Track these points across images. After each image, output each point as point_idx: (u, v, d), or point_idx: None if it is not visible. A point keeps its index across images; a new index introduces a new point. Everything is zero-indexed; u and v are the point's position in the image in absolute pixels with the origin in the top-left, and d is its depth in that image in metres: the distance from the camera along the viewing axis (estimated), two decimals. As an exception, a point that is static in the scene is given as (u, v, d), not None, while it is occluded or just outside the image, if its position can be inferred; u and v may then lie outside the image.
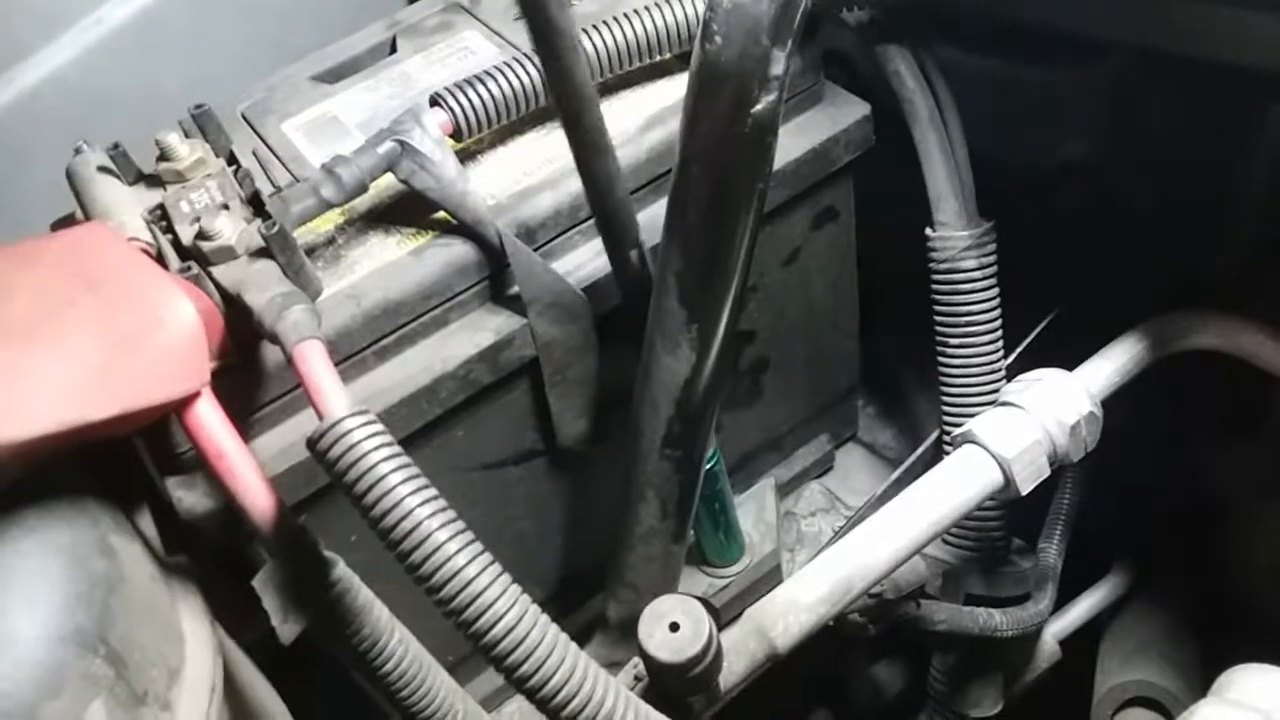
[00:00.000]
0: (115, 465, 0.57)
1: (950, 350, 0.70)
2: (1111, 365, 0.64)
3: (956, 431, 0.60)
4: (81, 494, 0.50)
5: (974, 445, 0.58)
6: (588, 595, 0.77)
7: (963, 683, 0.73)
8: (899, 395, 0.94)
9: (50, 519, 0.47)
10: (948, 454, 0.61)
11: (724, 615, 0.72)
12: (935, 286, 0.69)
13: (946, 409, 0.71)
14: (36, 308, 0.45)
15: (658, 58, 0.67)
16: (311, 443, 0.47)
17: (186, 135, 0.63)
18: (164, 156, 0.60)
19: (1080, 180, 0.73)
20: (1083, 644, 0.80)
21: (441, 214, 0.62)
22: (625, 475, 0.66)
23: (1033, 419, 0.59)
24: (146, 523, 0.58)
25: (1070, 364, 0.65)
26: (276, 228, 0.54)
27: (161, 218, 0.57)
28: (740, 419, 0.80)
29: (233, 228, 0.55)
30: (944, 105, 0.69)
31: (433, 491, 0.46)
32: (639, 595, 0.71)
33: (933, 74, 0.69)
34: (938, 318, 0.70)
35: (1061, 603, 0.79)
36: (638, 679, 0.60)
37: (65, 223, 0.68)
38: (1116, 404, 0.64)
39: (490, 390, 0.64)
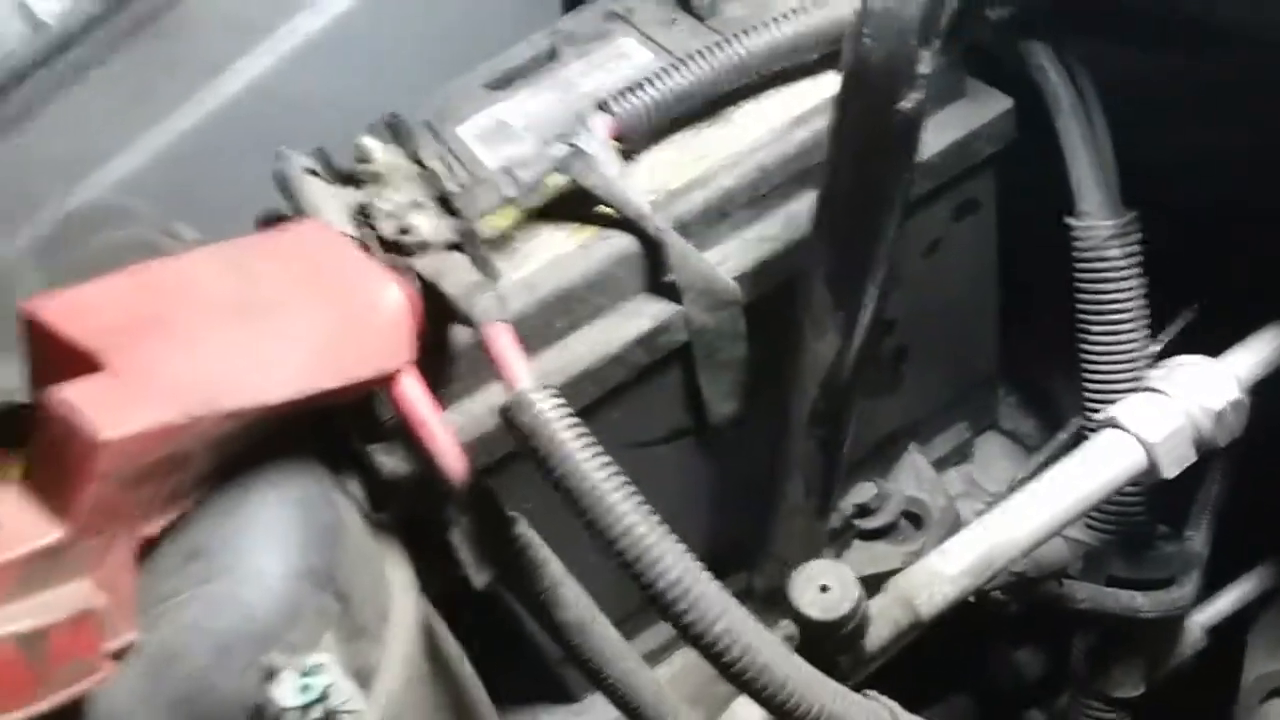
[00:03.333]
0: (325, 434, 0.65)
1: (1092, 338, 0.71)
2: (1258, 353, 0.65)
3: (1099, 416, 0.62)
4: (307, 455, 0.58)
5: (1118, 429, 0.60)
6: (730, 570, 0.82)
7: (1105, 664, 0.75)
8: (1041, 384, 0.95)
9: (286, 474, 0.54)
10: (1089, 439, 0.63)
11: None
12: (1078, 275, 0.71)
13: (1089, 396, 0.72)
14: (274, 291, 0.53)
15: (806, 58, 0.71)
16: (503, 411, 0.53)
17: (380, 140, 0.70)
18: (363, 159, 0.67)
19: (1225, 170, 0.73)
20: (1232, 633, 0.80)
21: (606, 210, 0.67)
22: (771, 454, 0.70)
23: (1177, 404, 0.60)
24: (353, 485, 0.66)
25: (1215, 355, 0.65)
26: (467, 223, 0.61)
27: (364, 215, 0.65)
28: (880, 406, 0.83)
29: (428, 224, 0.62)
30: (1086, 97, 0.71)
31: (607, 457, 0.52)
32: (783, 568, 0.75)
33: (1075, 67, 0.71)
34: (1080, 306, 0.72)
35: (1211, 592, 0.79)
36: (788, 638, 0.64)
37: (271, 219, 0.76)
38: (1267, 392, 0.64)
39: (646, 372, 0.69)
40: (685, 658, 0.86)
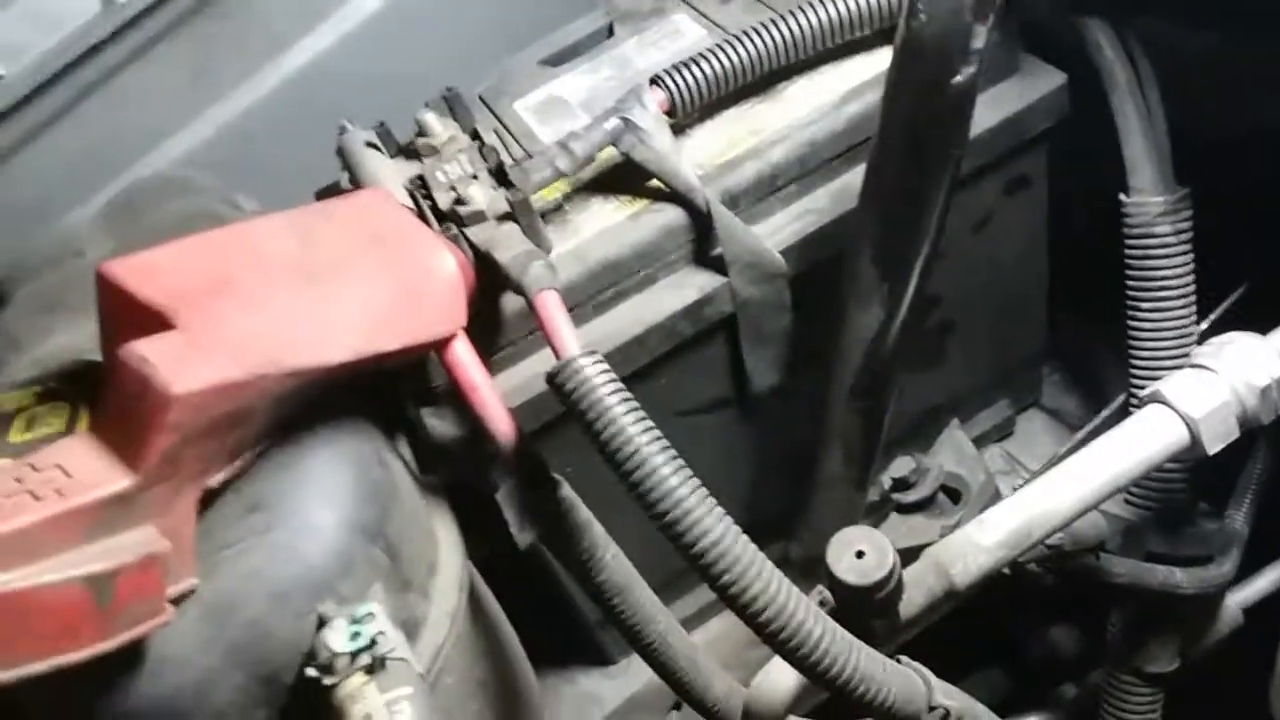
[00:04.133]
0: (378, 398, 0.67)
1: (1141, 315, 0.71)
2: (1308, 332, 0.64)
3: (1144, 392, 0.62)
4: (360, 416, 0.60)
5: (1161, 404, 0.60)
6: (767, 540, 0.83)
7: (1141, 639, 0.75)
8: (1086, 363, 0.94)
9: (341, 433, 0.57)
10: (1132, 415, 0.63)
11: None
12: (1129, 252, 0.71)
13: (1135, 373, 0.72)
14: (336, 255, 0.55)
15: (858, 34, 0.71)
16: (551, 377, 0.55)
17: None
18: (422, 133, 0.69)
19: (1277, 148, 0.72)
20: (1270, 614, 0.80)
21: (655, 183, 0.69)
22: (812, 426, 0.71)
23: (1222, 380, 0.60)
24: (402, 447, 0.69)
25: (1263, 333, 0.65)
26: (520, 195, 0.62)
27: (422, 186, 0.67)
28: (922, 380, 0.83)
29: (483, 195, 0.64)
30: (1141, 73, 0.70)
31: (650, 423, 0.54)
32: (820, 538, 0.76)
33: (1130, 43, 0.70)
34: (1130, 283, 0.71)
35: (1249, 572, 0.78)
36: (822, 604, 0.65)
37: (329, 191, 0.79)
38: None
39: (691, 343, 0.70)
40: (719, 624, 0.87)
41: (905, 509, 0.82)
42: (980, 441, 0.89)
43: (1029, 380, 0.91)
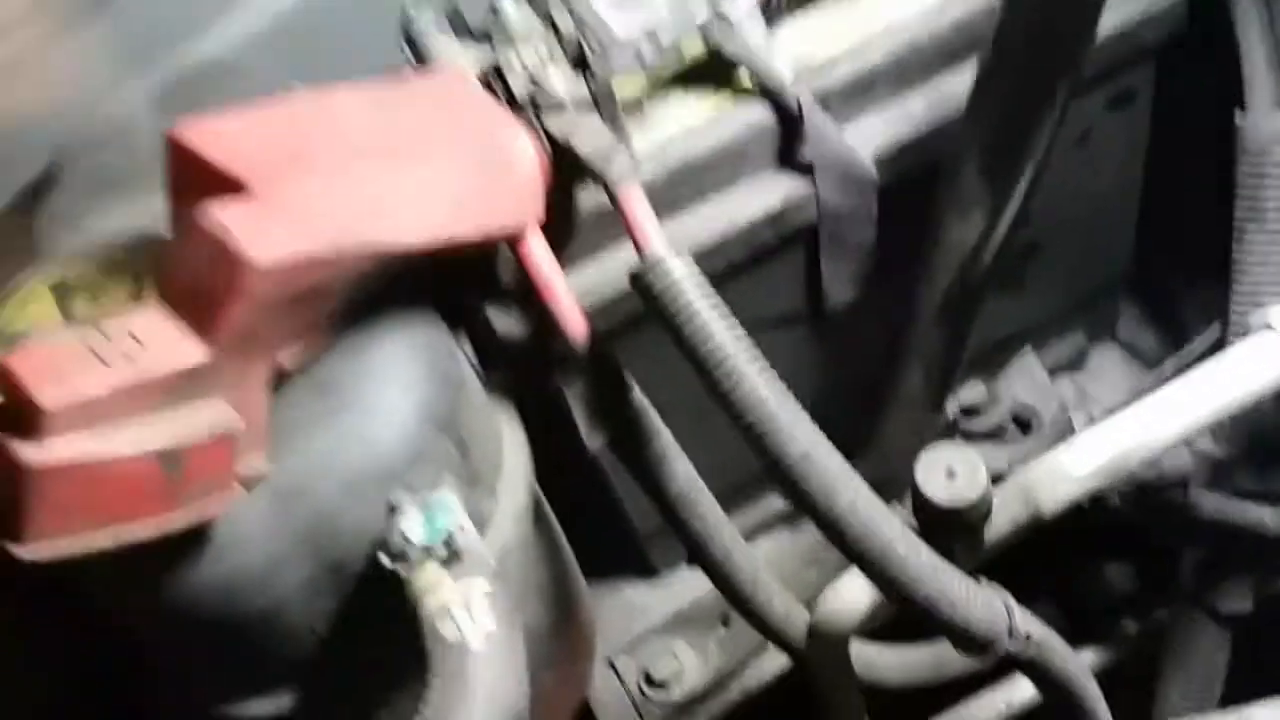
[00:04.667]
0: (442, 294, 0.65)
1: (1248, 239, 0.67)
2: None
3: (1251, 319, 0.59)
4: (429, 308, 0.58)
5: (1271, 331, 0.56)
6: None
7: (1217, 577, 0.73)
8: (1167, 299, 0.91)
9: (414, 321, 0.54)
10: (1236, 344, 0.60)
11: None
12: (1241, 173, 0.67)
13: (1237, 301, 0.69)
14: (416, 134, 0.52)
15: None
16: (636, 277, 0.53)
17: (514, -1, 0.68)
18: (495, 17, 0.66)
19: None
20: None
21: (742, 79, 0.65)
22: (891, 342, 0.68)
23: (1335, 314, 0.57)
24: (465, 345, 0.66)
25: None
26: (604, 83, 0.59)
27: (496, 72, 0.63)
28: (1000, 304, 0.80)
29: (562, 82, 0.60)
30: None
31: (741, 329, 0.51)
32: (888, 460, 0.74)
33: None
34: (1239, 206, 0.68)
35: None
36: (900, 523, 0.63)
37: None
38: None
39: (770, 251, 0.68)
40: (770, 544, 0.86)
41: (973, 436, 0.80)
42: (1052, 372, 0.87)
43: (1107, 311, 0.88)
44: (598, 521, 0.81)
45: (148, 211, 0.56)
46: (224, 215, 0.42)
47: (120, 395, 0.40)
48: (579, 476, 0.78)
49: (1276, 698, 0.48)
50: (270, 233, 0.42)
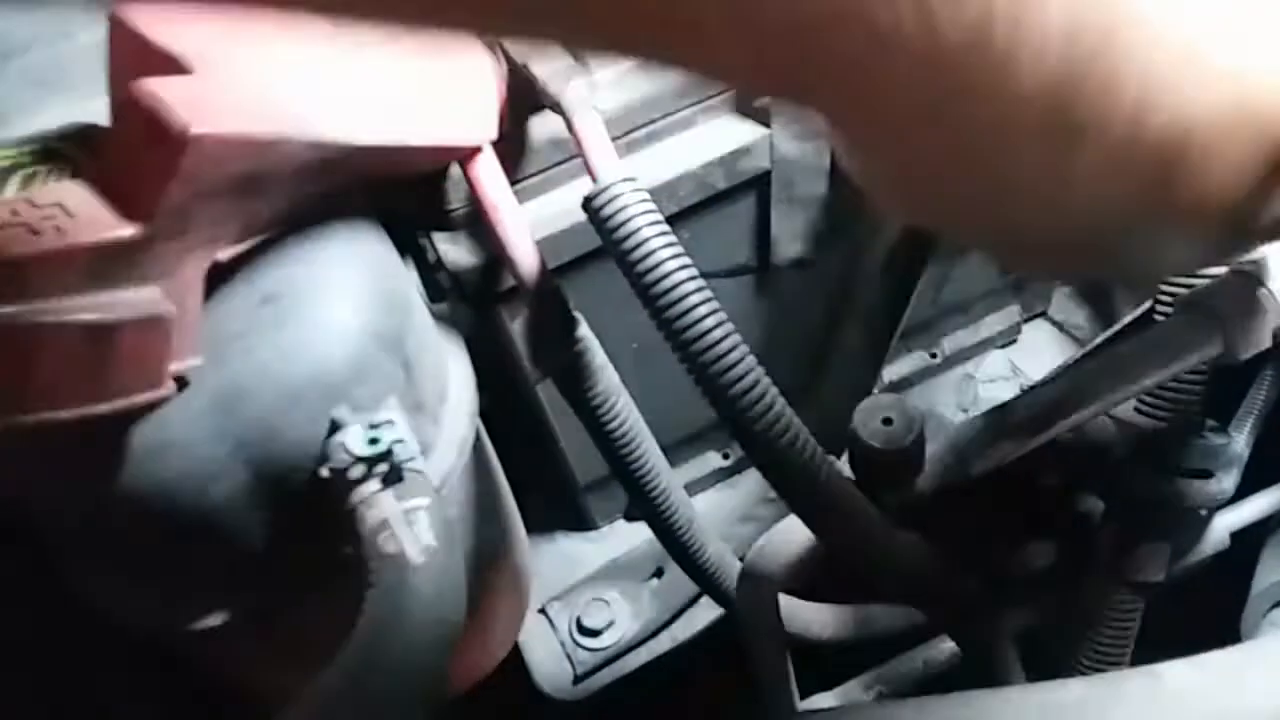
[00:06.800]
0: (387, 218, 0.63)
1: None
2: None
3: (1181, 295, 0.60)
4: (380, 230, 0.56)
5: (1196, 307, 0.58)
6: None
7: (1132, 547, 0.75)
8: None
9: (364, 240, 0.53)
10: (1166, 317, 0.62)
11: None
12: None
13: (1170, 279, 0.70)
14: (370, 33, 0.50)
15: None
16: (588, 200, 0.52)
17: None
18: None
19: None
20: (1250, 541, 0.81)
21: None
22: (835, 300, 0.69)
23: (1262, 289, 0.59)
24: (413, 274, 0.65)
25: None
26: (565, 6, 0.58)
27: (455, -9, 0.62)
28: (934, 276, 0.81)
29: (523, 4, 0.59)
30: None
31: (688, 259, 0.51)
32: (827, 422, 0.75)
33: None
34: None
35: (1237, 498, 0.78)
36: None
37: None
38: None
39: (721, 196, 0.67)
40: (711, 499, 0.87)
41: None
42: (985, 345, 0.88)
43: (1040, 289, 0.89)
44: (538, 473, 0.80)
45: (90, 109, 0.54)
46: (160, 87, 0.40)
47: (48, 263, 0.38)
48: (522, 423, 0.77)
49: (1185, 658, 0.50)
50: (209, 107, 0.40)
